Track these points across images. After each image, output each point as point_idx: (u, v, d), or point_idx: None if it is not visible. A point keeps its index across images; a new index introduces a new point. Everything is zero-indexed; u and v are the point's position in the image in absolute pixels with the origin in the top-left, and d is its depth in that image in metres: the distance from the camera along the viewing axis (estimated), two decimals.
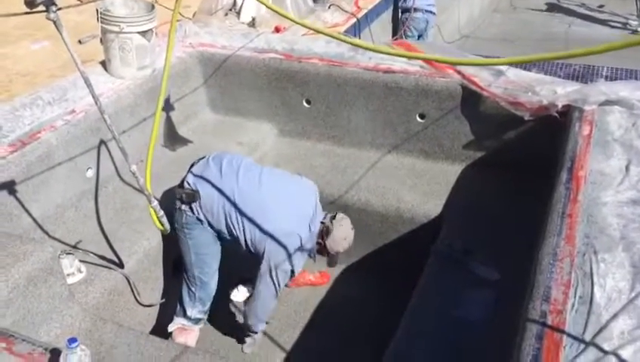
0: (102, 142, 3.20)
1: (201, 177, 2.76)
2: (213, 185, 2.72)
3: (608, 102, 2.99)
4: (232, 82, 4.01)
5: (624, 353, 1.63)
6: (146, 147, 2.75)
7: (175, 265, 3.16)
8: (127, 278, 2.84)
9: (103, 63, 3.55)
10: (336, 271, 3.63)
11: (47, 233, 2.87)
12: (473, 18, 9.22)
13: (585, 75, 3.29)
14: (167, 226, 2.76)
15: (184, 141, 3.82)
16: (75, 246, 2.84)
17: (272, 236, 2.64)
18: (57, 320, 2.39)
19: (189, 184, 2.76)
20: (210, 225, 2.76)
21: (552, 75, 3.46)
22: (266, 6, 2.49)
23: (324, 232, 2.78)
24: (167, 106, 3.79)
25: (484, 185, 3.43)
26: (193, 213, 2.74)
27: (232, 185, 2.71)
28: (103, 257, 2.82)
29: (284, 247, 2.64)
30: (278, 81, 3.90)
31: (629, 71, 3.34)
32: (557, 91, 3.15)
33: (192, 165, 2.86)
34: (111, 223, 3.05)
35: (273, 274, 2.70)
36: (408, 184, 3.56)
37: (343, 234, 2.79)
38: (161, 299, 3.12)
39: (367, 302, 3.42)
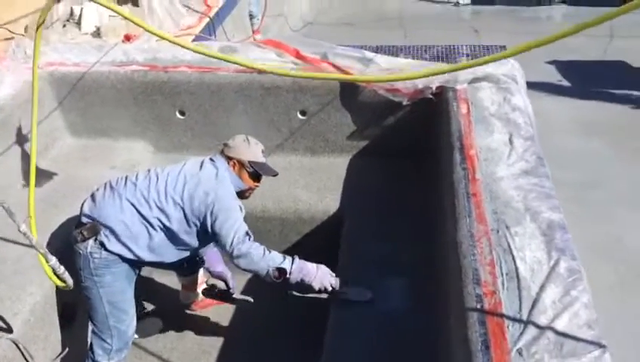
0: None
1: (95, 205, 2.53)
2: (114, 203, 2.52)
3: (476, 80, 3.18)
4: (92, 102, 3.65)
5: (561, 322, 1.73)
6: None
7: (64, 315, 2.83)
8: (16, 344, 2.48)
9: None
10: (241, 283, 3.50)
11: None
12: (314, 5, 9.41)
13: (448, 55, 3.50)
14: (70, 281, 2.44)
15: (48, 175, 3.41)
16: None
17: (199, 193, 2.53)
18: None
19: (86, 217, 2.50)
20: (125, 258, 2.52)
21: (419, 58, 3.61)
22: (121, 15, 2.26)
23: (227, 154, 2.72)
24: (21, 139, 3.34)
25: (374, 173, 3.50)
26: (105, 250, 2.48)
27: (132, 190, 2.56)
28: None
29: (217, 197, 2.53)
30: (145, 94, 3.62)
31: (485, 47, 3.61)
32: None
33: (82, 205, 2.60)
34: None
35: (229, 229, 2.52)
36: (301, 183, 3.52)
37: (238, 138, 2.77)
38: (56, 358, 2.78)
39: (282, 308, 3.33)
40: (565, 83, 6.33)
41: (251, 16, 6.86)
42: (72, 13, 4.95)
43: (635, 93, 6.02)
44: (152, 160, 3.76)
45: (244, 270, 2.56)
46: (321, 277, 2.57)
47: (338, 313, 2.65)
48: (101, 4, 2.11)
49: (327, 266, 2.65)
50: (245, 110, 3.61)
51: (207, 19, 5.17)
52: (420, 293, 2.67)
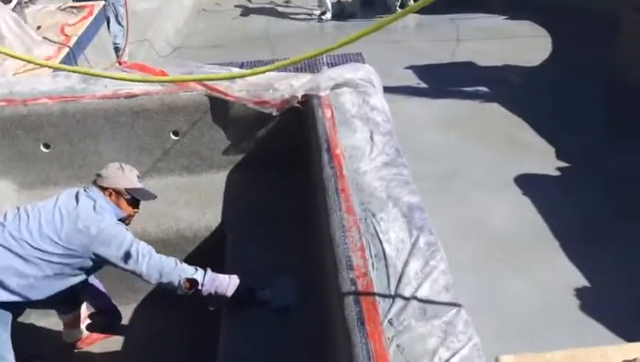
0: None
1: None
2: None
3: (337, 86, 3.41)
4: None
5: (423, 289, 1.95)
6: None
7: None
8: None
9: None
10: (127, 313, 3.43)
11: None
12: (180, 29, 9.37)
13: (311, 66, 3.70)
14: None
15: None
16: None
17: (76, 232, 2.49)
18: None
19: None
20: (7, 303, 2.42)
21: (283, 70, 3.77)
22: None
23: (101, 184, 2.70)
24: None
25: (253, 184, 3.59)
26: None
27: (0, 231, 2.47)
28: None
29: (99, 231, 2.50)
30: (3, 130, 3.45)
31: (342, 56, 3.86)
32: (293, 84, 3.46)
33: None
34: None
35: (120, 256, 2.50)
36: (181, 202, 3.53)
37: (111, 167, 2.75)
38: None
39: (171, 329, 3.31)
40: (422, 85, 6.86)
41: (117, 49, 6.74)
42: None
43: (483, 88, 6.68)
44: (17, 198, 3.57)
45: (157, 284, 2.56)
46: (234, 285, 2.62)
47: (229, 321, 2.71)
48: None
49: None
50: (114, 136, 3.56)
51: (67, 49, 5.00)
52: (309, 290, 2.80)
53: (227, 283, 2.61)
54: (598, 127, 5.73)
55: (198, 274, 2.55)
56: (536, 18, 8.36)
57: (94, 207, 2.58)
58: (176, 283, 2.52)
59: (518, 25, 8.54)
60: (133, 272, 2.53)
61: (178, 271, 2.52)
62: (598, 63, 6.50)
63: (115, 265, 2.53)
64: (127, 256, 2.48)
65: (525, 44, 7.81)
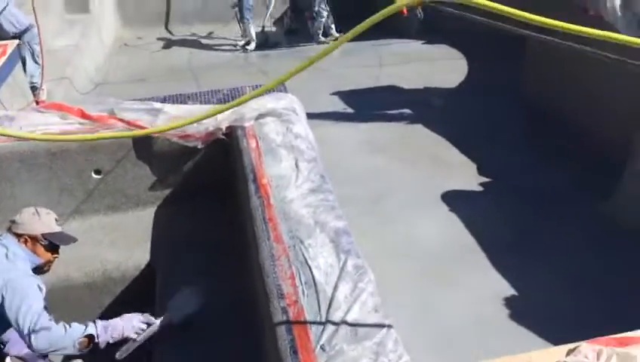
0: None
1: None
2: None
3: (261, 116, 3.43)
4: None
5: (353, 312, 1.97)
6: None
7: None
8: None
9: None
10: (57, 359, 3.25)
11: None
12: (101, 65, 9.16)
13: (233, 97, 3.71)
14: None
15: None
16: None
17: None
18: None
19: None
20: None
21: (208, 103, 3.76)
22: None
23: (15, 231, 2.57)
24: None
25: (181, 218, 3.54)
26: None
27: None
28: None
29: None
30: None
31: (259, 86, 3.89)
32: (217, 117, 3.45)
33: None
34: None
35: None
36: (106, 243, 3.42)
37: (26, 212, 2.63)
38: None
39: None
40: (349, 110, 7.02)
41: (34, 88, 6.50)
42: None
43: (406, 111, 6.90)
44: None
45: (50, 353, 2.41)
46: (129, 322, 2.53)
47: (165, 356, 2.64)
48: None
49: None
50: (31, 179, 3.42)
51: None
52: (242, 318, 2.77)
53: (121, 324, 2.53)
54: (514, 143, 6.03)
55: (89, 328, 2.44)
56: (451, 42, 8.77)
57: (6, 255, 2.46)
58: (70, 348, 2.40)
59: (435, 49, 8.93)
60: (21, 337, 2.40)
61: (70, 335, 2.39)
62: (510, 82, 6.88)
63: (9, 320, 2.39)
64: (21, 320, 2.33)
65: (443, 67, 8.17)
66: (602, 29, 1.50)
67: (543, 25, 1.59)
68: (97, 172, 3.53)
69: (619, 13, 5.03)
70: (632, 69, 3.95)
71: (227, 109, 3.13)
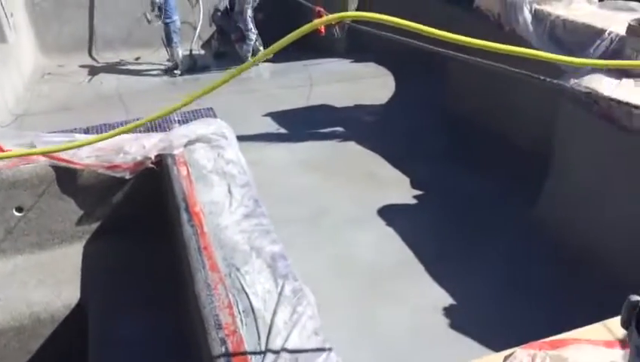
0: None
1: None
2: None
3: (190, 142, 3.38)
4: None
5: (293, 338, 1.96)
6: None
7: None
8: None
9: None
10: None
11: None
12: (21, 95, 8.77)
13: (162, 124, 3.63)
14: None
15: None
16: None
17: None
18: None
19: None
20: None
21: (135, 132, 3.66)
22: None
23: None
24: None
25: (113, 252, 3.42)
26: None
27: None
28: None
29: None
30: None
31: (193, 112, 3.84)
32: (145, 145, 3.37)
33: None
34: None
35: None
36: (32, 283, 3.25)
37: None
38: None
39: None
40: (282, 130, 7.02)
41: None
42: None
43: (339, 129, 6.99)
44: None
45: None
46: None
47: None
48: None
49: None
50: None
51: None
52: (182, 352, 2.69)
53: None
54: (442, 156, 6.22)
55: None
56: (378, 59, 8.99)
57: None
58: None
59: (363, 67, 9.11)
60: None
61: None
62: (435, 97, 7.11)
63: None
64: None
65: (371, 84, 8.34)
66: (518, 45, 1.58)
67: (458, 42, 1.65)
68: (19, 209, 3.35)
69: (531, 28, 5.32)
70: (537, 83, 4.16)
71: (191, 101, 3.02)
